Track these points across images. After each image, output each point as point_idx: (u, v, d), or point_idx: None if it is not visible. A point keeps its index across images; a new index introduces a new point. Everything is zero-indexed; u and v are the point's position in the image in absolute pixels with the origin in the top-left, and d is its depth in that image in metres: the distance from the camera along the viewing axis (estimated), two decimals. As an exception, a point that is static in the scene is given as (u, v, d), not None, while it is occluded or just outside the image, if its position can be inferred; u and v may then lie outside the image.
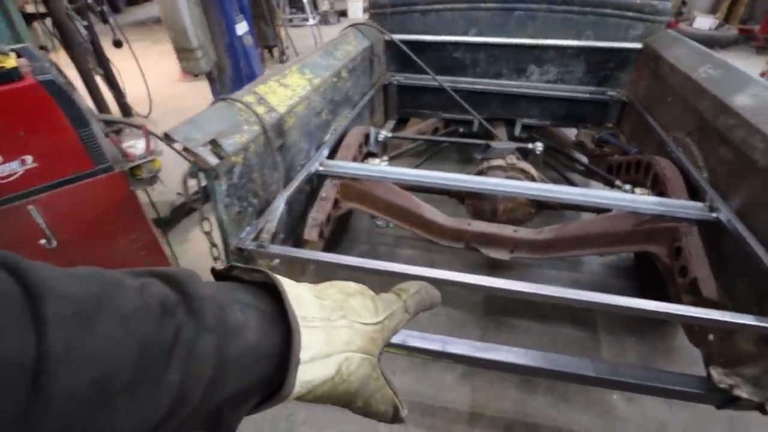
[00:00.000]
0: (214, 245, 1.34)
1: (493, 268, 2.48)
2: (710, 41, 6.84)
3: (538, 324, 2.18)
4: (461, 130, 3.11)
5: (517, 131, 3.04)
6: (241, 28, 3.25)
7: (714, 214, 1.52)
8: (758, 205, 1.39)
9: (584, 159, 2.83)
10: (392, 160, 2.70)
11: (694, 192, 1.70)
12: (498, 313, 2.23)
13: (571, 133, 3.10)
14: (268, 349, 0.37)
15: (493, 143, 2.13)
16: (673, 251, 1.59)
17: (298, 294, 0.41)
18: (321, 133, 1.93)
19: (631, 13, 2.51)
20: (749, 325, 1.09)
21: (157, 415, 0.30)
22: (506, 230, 1.84)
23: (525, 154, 2.26)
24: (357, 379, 0.42)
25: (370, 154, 2.30)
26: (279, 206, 1.41)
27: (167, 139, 1.13)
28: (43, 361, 0.25)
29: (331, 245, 2.57)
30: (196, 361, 0.32)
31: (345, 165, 1.84)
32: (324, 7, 8.91)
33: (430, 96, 3.01)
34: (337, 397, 0.42)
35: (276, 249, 1.32)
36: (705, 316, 1.11)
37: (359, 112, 2.48)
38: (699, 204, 1.58)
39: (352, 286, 0.48)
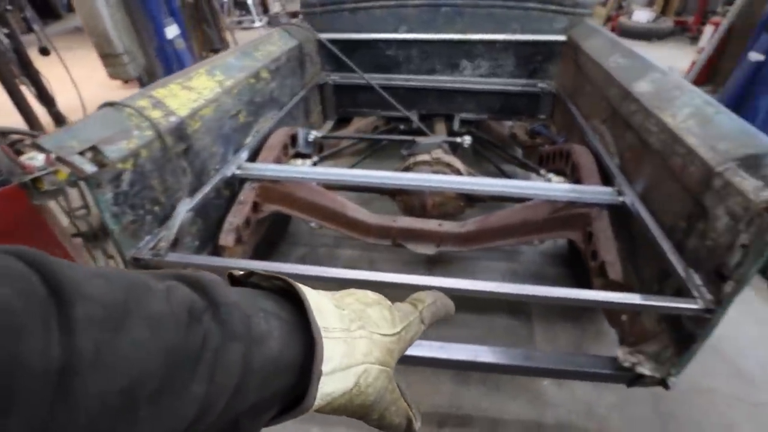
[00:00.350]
0: (110, 257, 1.27)
1: (433, 262, 2.48)
2: (649, 33, 7.14)
3: (475, 316, 2.19)
4: (402, 127, 3.11)
5: (456, 126, 3.06)
6: (171, 31, 3.15)
7: (621, 198, 1.56)
8: (655, 188, 1.43)
9: (520, 151, 2.89)
10: (331, 159, 2.69)
11: (607, 178, 1.75)
12: (436, 307, 2.23)
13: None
14: (290, 360, 0.37)
15: (419, 139, 2.13)
16: (586, 236, 1.63)
17: (319, 303, 0.40)
18: (240, 135, 1.88)
19: (553, 7, 2.57)
20: (635, 304, 1.12)
21: (181, 426, 0.29)
22: (431, 225, 1.84)
23: (454, 148, 2.27)
24: (374, 392, 0.41)
25: (301, 155, 2.26)
26: (180, 213, 1.36)
27: (37, 148, 1.06)
28: (72, 367, 0.24)
29: (267, 249, 2.53)
30: (222, 370, 0.31)
31: (265, 167, 1.80)
32: (275, 8, 8.79)
33: (368, 94, 2.99)
34: (353, 409, 0.41)
35: (175, 257, 1.27)
36: (590, 298, 1.14)
37: (290, 113, 2.44)
38: (609, 189, 1.62)
39: (369, 295, 0.48)
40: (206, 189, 1.56)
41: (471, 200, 2.09)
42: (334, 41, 2.78)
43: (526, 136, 2.75)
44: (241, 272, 0.42)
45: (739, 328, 2.18)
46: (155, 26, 3.02)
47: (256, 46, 2.13)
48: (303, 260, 2.57)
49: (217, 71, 1.75)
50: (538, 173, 2.14)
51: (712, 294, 1.09)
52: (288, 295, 0.40)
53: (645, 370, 1.28)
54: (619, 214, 1.60)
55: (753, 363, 2.01)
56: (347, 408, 0.40)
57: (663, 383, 1.28)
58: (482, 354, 1.38)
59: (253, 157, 1.92)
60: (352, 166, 2.80)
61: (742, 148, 1.10)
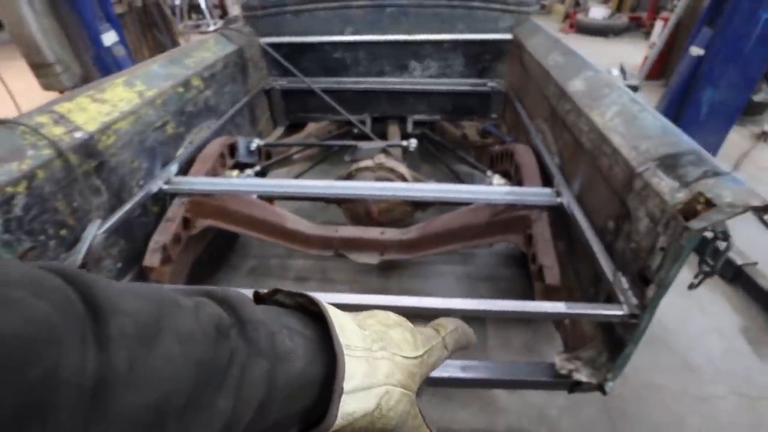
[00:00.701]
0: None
1: (387, 268, 2.43)
2: (605, 29, 7.29)
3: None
4: (356, 130, 3.05)
5: (410, 128, 3.02)
6: (109, 38, 3.00)
7: (559, 199, 1.54)
8: (589, 188, 1.41)
9: (474, 151, 2.87)
10: (281, 166, 2.61)
11: (548, 178, 1.72)
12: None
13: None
14: (313, 377, 0.37)
15: (361, 144, 2.07)
16: (527, 239, 1.60)
17: (341, 322, 0.40)
18: (169, 148, 1.78)
19: (497, 5, 2.55)
20: (559, 313, 1.08)
21: None
22: (373, 233, 1.78)
23: (404, 150, 2.23)
24: (396, 415, 0.40)
25: (243, 165, 2.17)
26: (89, 235, 1.26)
27: None
28: (106, 382, 0.24)
29: (215, 264, 2.43)
30: (248, 386, 0.32)
31: (195, 181, 1.71)
32: (234, 11, 8.61)
33: (318, 99, 2.92)
34: None
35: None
36: (512, 309, 1.10)
37: (232, 121, 2.35)
38: (547, 190, 1.59)
39: (392, 317, 0.48)
40: (127, 207, 1.45)
41: (418, 205, 2.05)
42: (278, 45, 2.70)
43: (477, 136, 2.73)
44: (266, 290, 0.44)
45: (688, 319, 2.21)
46: (90, 33, 2.86)
47: (187, 53, 2.03)
48: (254, 272, 2.49)
49: (137, 81, 1.65)
50: (485, 174, 2.11)
51: (637, 298, 1.06)
52: (311, 313, 0.41)
53: (582, 376, 1.25)
54: (557, 214, 1.58)
55: (700, 355, 2.03)
56: None
57: (600, 389, 1.26)
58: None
59: (186, 170, 1.82)
60: (302, 173, 2.73)
61: (661, 148, 1.08)
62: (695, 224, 0.87)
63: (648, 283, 1.02)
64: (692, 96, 2.76)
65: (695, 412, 1.79)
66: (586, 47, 6.88)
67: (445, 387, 1.63)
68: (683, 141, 1.07)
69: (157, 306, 0.29)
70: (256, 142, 2.24)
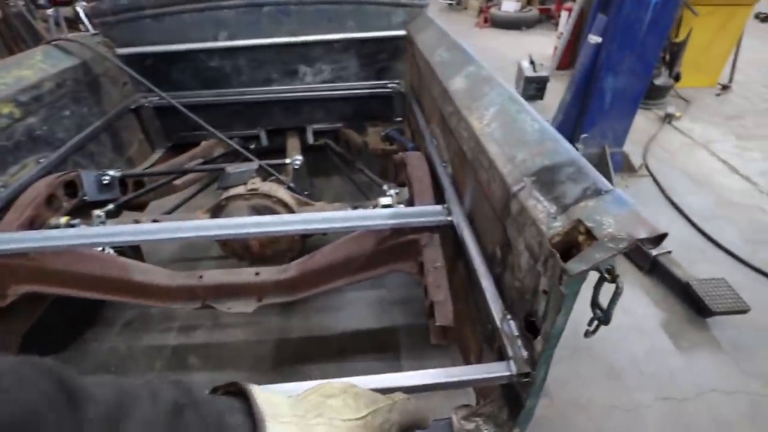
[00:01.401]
0: None
1: (289, 304, 2.13)
2: (518, 22, 7.40)
3: (335, 364, 1.88)
4: (252, 146, 2.72)
5: (310, 139, 2.75)
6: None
7: (450, 218, 1.32)
8: (476, 205, 1.20)
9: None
10: (158, 196, 2.22)
11: (442, 192, 1.51)
12: (290, 361, 1.88)
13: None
14: None
15: (229, 167, 1.76)
16: (420, 267, 1.37)
17: (269, 398, 0.46)
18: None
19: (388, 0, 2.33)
20: (430, 384, 0.85)
21: None
22: (245, 275, 1.49)
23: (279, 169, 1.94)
24: None
25: (94, 204, 1.79)
26: None
27: None
28: None
29: (75, 325, 2.02)
30: None
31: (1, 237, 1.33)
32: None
33: (203, 115, 2.55)
34: None
35: None
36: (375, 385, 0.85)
37: (83, 151, 1.96)
38: (438, 207, 1.37)
39: (335, 386, 0.53)
40: None
41: (307, 234, 1.77)
42: (140, 56, 2.32)
43: (380, 143, 2.50)
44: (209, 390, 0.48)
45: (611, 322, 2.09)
46: None
47: (-5, 72, 1.63)
48: (130, 326, 2.10)
49: None
50: (381, 188, 1.87)
51: (527, 350, 0.85)
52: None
53: (484, 437, 1.03)
54: (454, 234, 1.37)
55: (623, 358, 1.91)
56: None
57: (509, 449, 1.04)
58: None
59: (-5, 222, 1.43)
60: (189, 199, 2.37)
61: (538, 158, 0.87)
62: (573, 267, 0.65)
63: (536, 333, 0.81)
64: (596, 85, 2.70)
65: (625, 428, 1.66)
66: (500, 41, 6.94)
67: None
68: (562, 149, 0.86)
69: (121, 394, 0.35)
70: (110, 174, 1.86)
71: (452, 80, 1.43)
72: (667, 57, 4.03)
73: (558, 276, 0.70)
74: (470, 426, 1.05)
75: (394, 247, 1.40)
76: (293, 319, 2.05)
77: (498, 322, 0.92)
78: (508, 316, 0.93)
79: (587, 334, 0.79)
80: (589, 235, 0.67)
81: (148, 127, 2.52)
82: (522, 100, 1.11)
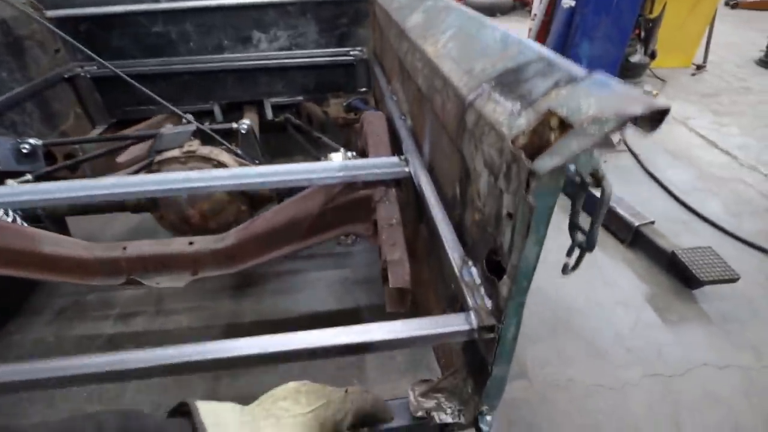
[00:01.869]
0: None
1: (241, 286, 1.93)
2: (492, 8, 7.31)
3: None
4: (208, 123, 2.50)
5: (269, 114, 2.54)
6: None
7: (407, 169, 1.14)
8: (435, 147, 1.03)
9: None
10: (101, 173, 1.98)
11: (400, 147, 1.33)
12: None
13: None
14: None
15: (163, 130, 1.55)
16: (375, 227, 1.19)
17: (215, 409, 0.50)
18: None
19: (345, -44, 2.15)
20: (379, 341, 0.66)
21: None
22: (176, 245, 1.29)
23: (229, 136, 1.74)
24: None
25: (9, 175, 1.55)
26: None
27: None
28: None
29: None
30: None
31: None
32: None
33: (148, 87, 2.32)
34: None
35: None
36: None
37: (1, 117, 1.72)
38: (394, 159, 1.19)
39: (289, 387, 0.58)
40: None
41: (256, 202, 1.57)
42: (74, 19, 2.09)
43: (345, 113, 2.31)
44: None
45: (590, 294, 1.95)
46: None
47: None
48: (63, 315, 1.86)
49: None
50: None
51: (492, 299, 0.68)
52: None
53: (446, 416, 0.85)
54: (413, 189, 1.19)
55: (608, 335, 1.76)
56: None
57: (477, 428, 0.87)
58: None
59: None
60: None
61: (500, 63, 0.70)
62: (543, 164, 0.48)
63: (501, 274, 0.63)
64: (571, 51, 2.57)
65: (610, 408, 1.50)
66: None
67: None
68: (528, 50, 0.69)
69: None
70: (30, 143, 1.64)
71: (409, 18, 1.26)
72: (642, 33, 3.94)
73: (524, 184, 0.52)
74: (430, 404, 0.88)
75: (346, 205, 1.21)
76: (245, 302, 1.85)
77: (457, 271, 0.74)
78: (469, 262, 0.76)
79: (566, 269, 0.62)
80: (563, 125, 0.50)
81: (86, 100, 2.28)
82: (484, 17, 0.94)
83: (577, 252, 0.61)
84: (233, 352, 0.67)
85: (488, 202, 0.65)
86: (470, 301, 0.68)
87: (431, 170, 1.07)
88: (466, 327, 0.65)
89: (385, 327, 0.69)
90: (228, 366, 0.68)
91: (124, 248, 1.28)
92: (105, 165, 1.88)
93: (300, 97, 2.53)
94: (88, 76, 2.23)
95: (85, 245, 1.28)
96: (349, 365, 1.61)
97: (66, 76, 2.16)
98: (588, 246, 0.57)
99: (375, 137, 1.36)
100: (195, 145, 1.51)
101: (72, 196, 1.09)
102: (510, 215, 0.59)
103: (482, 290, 0.70)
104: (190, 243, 1.29)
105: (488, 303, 0.68)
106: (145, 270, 1.29)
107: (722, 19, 5.27)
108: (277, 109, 2.55)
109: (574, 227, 0.58)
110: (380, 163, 1.18)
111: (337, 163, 1.18)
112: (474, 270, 0.74)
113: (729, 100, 4.10)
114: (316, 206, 1.22)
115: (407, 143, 1.21)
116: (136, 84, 1.87)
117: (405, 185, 1.24)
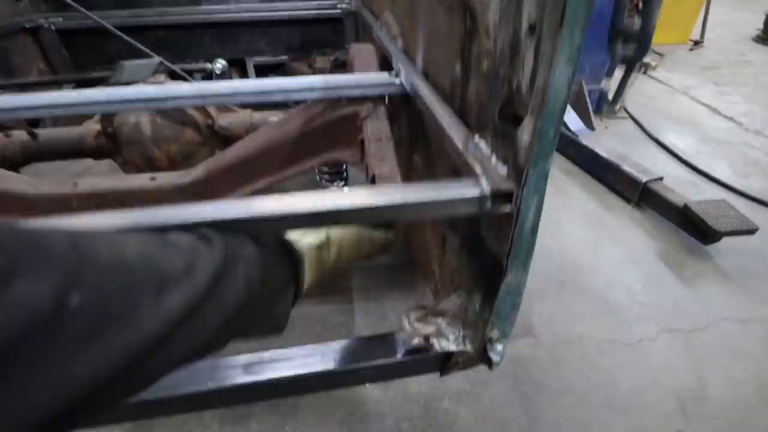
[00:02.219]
0: None
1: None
2: None
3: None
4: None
5: (251, 75, 2.38)
6: None
7: (398, 80, 0.99)
8: (430, 45, 0.88)
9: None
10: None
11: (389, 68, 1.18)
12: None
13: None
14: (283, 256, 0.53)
15: (126, 62, 1.39)
16: (362, 149, 1.04)
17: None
18: None
19: None
20: (359, 208, 0.51)
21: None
22: (135, 181, 1.13)
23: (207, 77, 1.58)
24: (343, 243, 0.59)
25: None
26: None
27: None
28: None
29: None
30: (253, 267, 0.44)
31: None
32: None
33: (119, 42, 2.15)
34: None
35: None
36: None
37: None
38: (383, 74, 1.04)
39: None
40: None
41: (228, 138, 1.42)
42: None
43: (329, 69, 2.16)
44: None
45: (598, 252, 1.81)
46: None
47: None
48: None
49: None
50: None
51: (504, 162, 0.53)
52: None
53: (448, 343, 0.71)
54: (400, 103, 1.05)
55: (619, 292, 1.63)
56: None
57: (485, 358, 0.72)
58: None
59: None
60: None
61: None
62: None
63: (519, 120, 0.49)
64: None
65: (627, 364, 1.36)
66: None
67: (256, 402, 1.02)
68: None
69: (233, 237, 0.45)
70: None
71: None
72: (640, 3, 3.82)
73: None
74: (429, 329, 0.74)
75: (329, 126, 1.06)
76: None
77: (462, 150, 0.59)
78: (475, 136, 0.61)
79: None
80: None
81: (51, 54, 2.10)
82: None
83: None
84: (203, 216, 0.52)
85: (501, 29, 0.50)
86: (477, 168, 0.53)
87: (426, 75, 0.92)
88: (476, 193, 0.50)
89: (377, 190, 0.53)
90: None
91: (75, 184, 1.12)
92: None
93: (285, 57, 2.37)
94: (53, 27, 2.06)
95: (30, 181, 1.12)
96: (337, 325, 1.46)
97: (27, 26, 1.98)
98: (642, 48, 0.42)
99: (361, 61, 1.20)
100: (161, 78, 1.34)
101: (25, 106, 0.93)
102: (532, 28, 0.44)
103: (493, 160, 0.55)
104: (152, 178, 1.14)
105: (502, 170, 0.53)
106: (100, 209, 1.13)
107: (718, 1, 5.19)
108: (261, 70, 2.39)
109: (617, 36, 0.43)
110: (368, 79, 1.02)
111: (319, 78, 1.03)
112: (482, 141, 0.59)
113: (729, 72, 3.99)
114: (295, 129, 1.07)
115: (397, 57, 1.06)
116: (125, 36, 1.70)
117: (397, 105, 1.10)
